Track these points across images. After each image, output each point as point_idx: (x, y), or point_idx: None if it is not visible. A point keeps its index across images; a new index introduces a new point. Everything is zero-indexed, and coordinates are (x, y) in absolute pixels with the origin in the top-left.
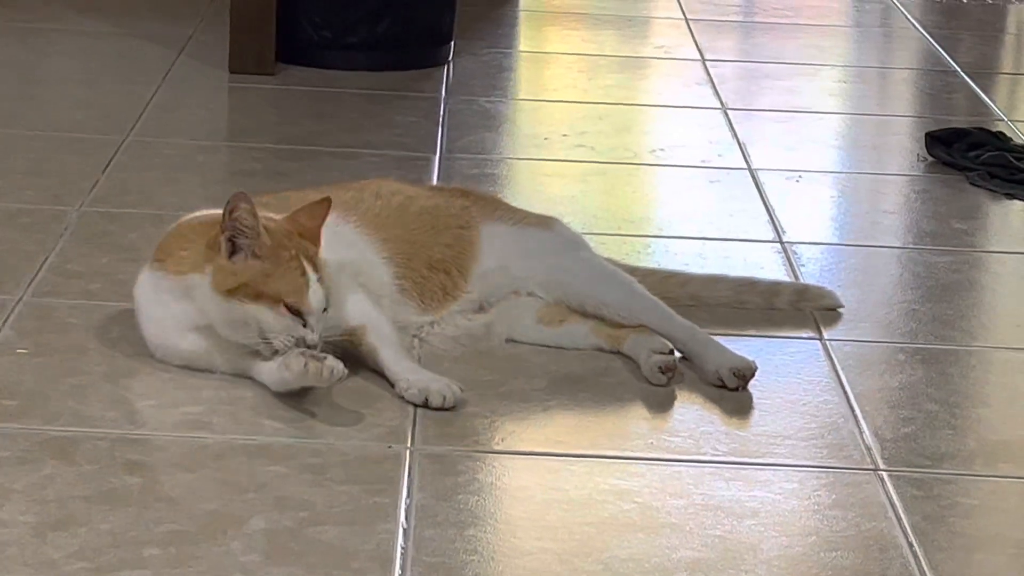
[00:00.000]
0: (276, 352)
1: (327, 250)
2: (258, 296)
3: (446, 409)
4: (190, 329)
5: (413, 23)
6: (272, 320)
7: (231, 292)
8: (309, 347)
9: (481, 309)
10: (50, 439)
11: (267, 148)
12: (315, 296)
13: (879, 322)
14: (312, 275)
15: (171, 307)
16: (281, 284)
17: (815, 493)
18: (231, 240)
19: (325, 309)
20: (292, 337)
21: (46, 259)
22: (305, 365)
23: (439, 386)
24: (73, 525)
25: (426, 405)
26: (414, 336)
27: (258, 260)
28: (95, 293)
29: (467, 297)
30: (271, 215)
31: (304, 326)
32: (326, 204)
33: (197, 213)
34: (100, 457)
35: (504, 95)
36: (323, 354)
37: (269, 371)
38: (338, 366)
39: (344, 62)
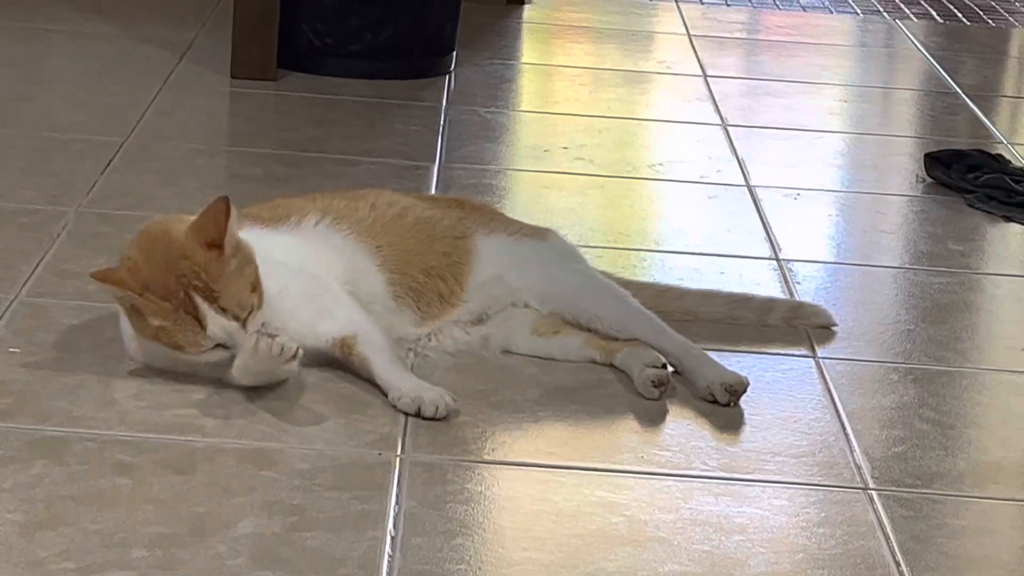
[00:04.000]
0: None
1: (314, 257)
2: (171, 344)
3: (438, 419)
4: None
5: (416, 32)
6: (191, 360)
7: (151, 338)
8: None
9: (478, 320)
10: (40, 438)
11: (267, 154)
12: (216, 328)
13: (873, 341)
14: (206, 308)
15: None
16: (178, 339)
17: (804, 510)
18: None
19: (250, 313)
20: (223, 361)
21: (42, 259)
22: (256, 342)
23: (432, 395)
24: (61, 525)
25: (419, 415)
26: (409, 349)
27: (152, 317)
28: (90, 294)
29: (465, 307)
30: (174, 227)
31: (227, 347)
32: (224, 202)
33: (155, 222)
34: (90, 457)
35: (505, 106)
36: (275, 333)
37: (235, 366)
38: (290, 344)
39: (346, 69)
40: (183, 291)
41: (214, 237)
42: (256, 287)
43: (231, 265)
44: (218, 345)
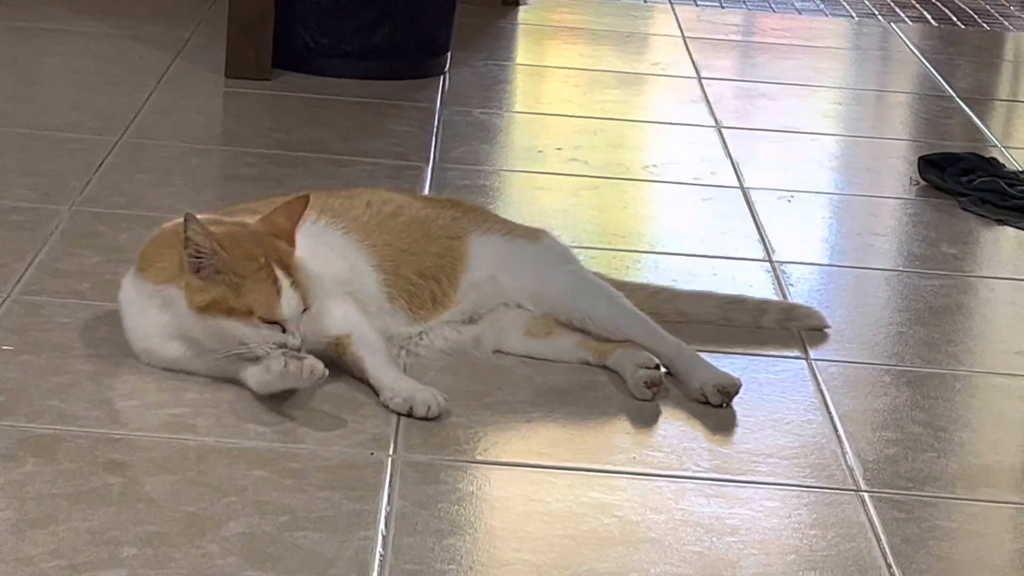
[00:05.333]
0: (258, 358)
1: (312, 255)
2: (230, 311)
3: (430, 419)
4: (173, 337)
5: (411, 33)
6: (249, 332)
7: (204, 308)
8: (292, 350)
9: (471, 320)
10: (32, 436)
11: (261, 153)
12: (288, 303)
13: (866, 343)
14: (284, 280)
15: (154, 315)
16: (251, 297)
17: (796, 512)
18: (192, 258)
19: (305, 309)
20: (273, 344)
21: (35, 257)
22: (285, 365)
23: (424, 396)
24: (52, 523)
25: (410, 414)
26: (401, 348)
27: (224, 274)
28: (83, 293)
29: (457, 308)
30: (243, 220)
31: (283, 332)
32: (303, 202)
33: (180, 220)
34: (82, 456)
35: (499, 107)
36: (304, 354)
37: (253, 374)
38: (318, 366)
39: (340, 70)
40: (264, 257)
41: (286, 229)
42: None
43: (297, 260)
44: (274, 324)
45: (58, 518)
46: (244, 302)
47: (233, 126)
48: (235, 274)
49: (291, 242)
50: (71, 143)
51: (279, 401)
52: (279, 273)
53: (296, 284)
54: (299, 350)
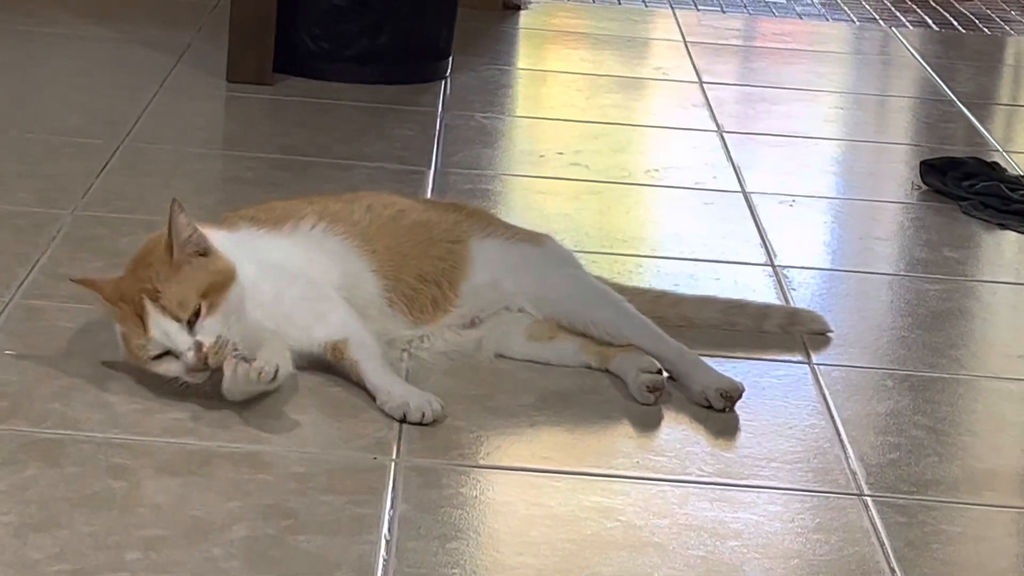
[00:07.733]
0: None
1: (310, 261)
2: (128, 353)
3: (424, 424)
4: None
5: (412, 37)
6: (153, 368)
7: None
8: (194, 369)
9: (472, 324)
10: (35, 441)
11: (262, 158)
12: (157, 330)
13: (868, 348)
14: (152, 311)
15: None
16: (130, 345)
17: (799, 516)
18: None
19: (196, 316)
20: (183, 369)
21: (37, 261)
22: (234, 369)
23: (418, 402)
24: (55, 527)
25: (404, 420)
26: (403, 350)
27: (118, 323)
28: (85, 297)
29: (457, 312)
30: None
31: (178, 356)
32: (170, 207)
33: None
34: (84, 460)
35: (501, 111)
36: (252, 356)
37: (222, 387)
38: (267, 368)
39: (342, 74)
40: (138, 295)
41: (167, 240)
42: (208, 294)
43: (184, 267)
44: (167, 353)
45: (61, 522)
46: (128, 348)
47: (234, 130)
48: (121, 324)
49: (168, 250)
50: (73, 147)
51: (281, 405)
52: (146, 303)
53: (166, 299)
54: (200, 364)
